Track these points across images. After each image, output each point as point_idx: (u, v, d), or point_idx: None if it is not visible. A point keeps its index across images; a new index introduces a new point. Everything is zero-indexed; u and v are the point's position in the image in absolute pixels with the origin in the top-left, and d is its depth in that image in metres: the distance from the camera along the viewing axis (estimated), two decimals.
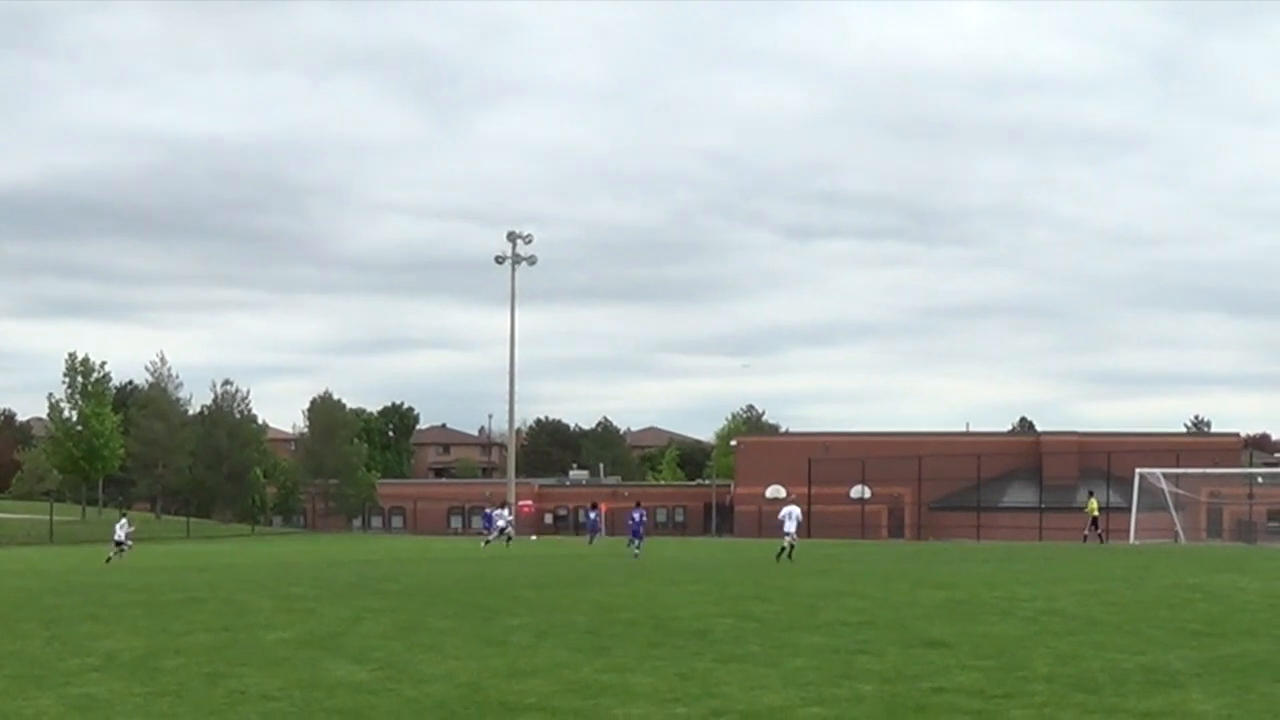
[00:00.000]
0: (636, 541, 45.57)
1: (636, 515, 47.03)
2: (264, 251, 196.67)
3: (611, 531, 79.15)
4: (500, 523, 56.43)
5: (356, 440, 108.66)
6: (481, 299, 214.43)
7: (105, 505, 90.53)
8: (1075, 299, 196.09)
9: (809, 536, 72.93)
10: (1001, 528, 75.25)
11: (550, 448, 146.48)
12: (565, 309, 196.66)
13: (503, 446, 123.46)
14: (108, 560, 41.96)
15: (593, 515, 58.38)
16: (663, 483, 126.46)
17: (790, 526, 39.13)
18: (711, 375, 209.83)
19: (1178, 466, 66.64)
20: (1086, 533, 57.40)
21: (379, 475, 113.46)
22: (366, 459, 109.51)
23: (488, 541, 55.12)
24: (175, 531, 76.84)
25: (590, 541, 57.21)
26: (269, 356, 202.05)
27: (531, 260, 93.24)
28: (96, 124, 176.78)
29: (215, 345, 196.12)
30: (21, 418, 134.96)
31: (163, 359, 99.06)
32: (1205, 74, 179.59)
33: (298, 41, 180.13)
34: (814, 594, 23.99)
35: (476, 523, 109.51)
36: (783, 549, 38.45)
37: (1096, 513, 58.14)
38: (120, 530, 44.73)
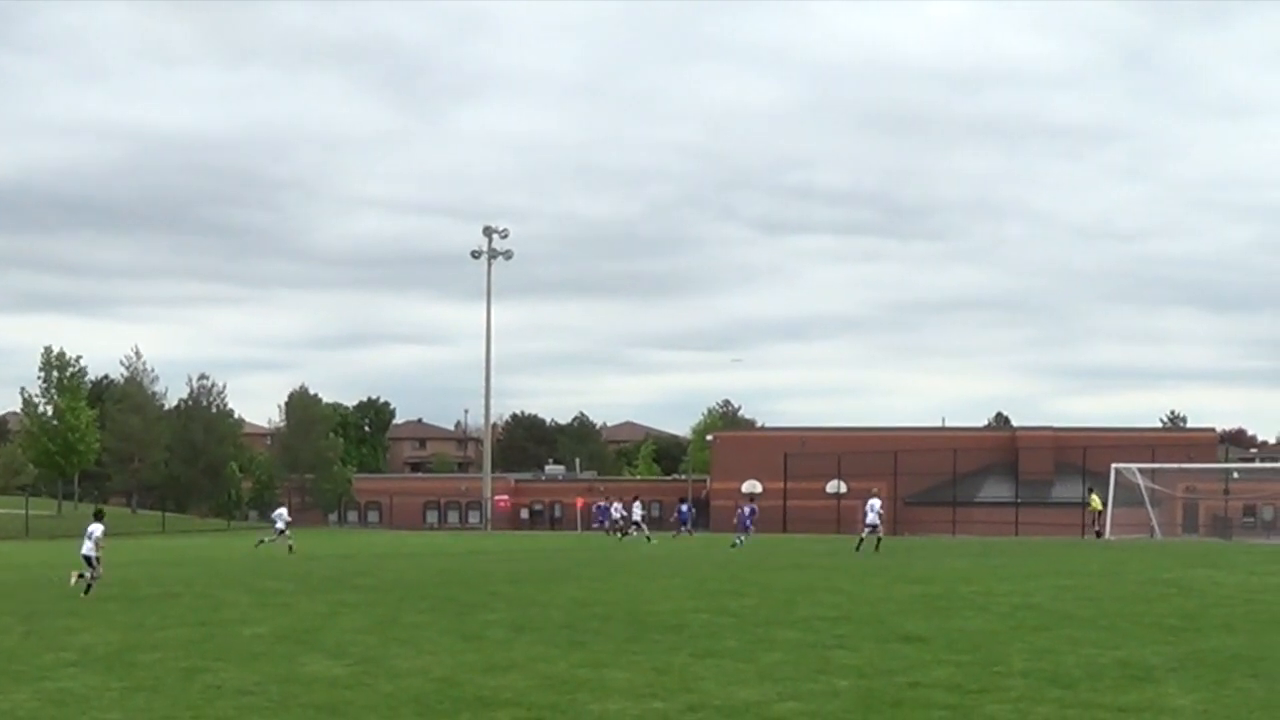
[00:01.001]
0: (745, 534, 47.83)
1: (747, 510, 49.59)
2: (239, 246, 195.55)
3: (586, 525, 79.09)
4: (636, 516, 57.89)
5: (332, 435, 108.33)
6: (457, 294, 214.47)
7: (81, 500, 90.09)
8: (1050, 294, 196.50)
9: (784, 531, 73.10)
10: (977, 523, 75.37)
11: (526, 442, 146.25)
12: (541, 303, 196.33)
13: (479, 441, 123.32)
14: (259, 543, 47.10)
15: (684, 508, 59.51)
16: (639, 477, 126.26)
17: (873, 518, 40.56)
18: (687, 370, 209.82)
19: (1153, 461, 66.78)
20: (1099, 528, 57.70)
21: (355, 470, 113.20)
22: (342, 454, 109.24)
23: (623, 534, 56.35)
24: (151, 526, 76.48)
25: (691, 534, 58.94)
26: (245, 351, 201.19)
27: (507, 255, 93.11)
28: (69, 118, 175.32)
29: (191, 340, 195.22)
30: None
31: (138, 353, 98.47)
32: (1177, 68, 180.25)
33: (271, 35, 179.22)
34: (790, 589, 24.05)
35: (453, 517, 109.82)
36: (861, 539, 39.89)
37: (1100, 508, 58.39)
38: (280, 519, 47.87)
